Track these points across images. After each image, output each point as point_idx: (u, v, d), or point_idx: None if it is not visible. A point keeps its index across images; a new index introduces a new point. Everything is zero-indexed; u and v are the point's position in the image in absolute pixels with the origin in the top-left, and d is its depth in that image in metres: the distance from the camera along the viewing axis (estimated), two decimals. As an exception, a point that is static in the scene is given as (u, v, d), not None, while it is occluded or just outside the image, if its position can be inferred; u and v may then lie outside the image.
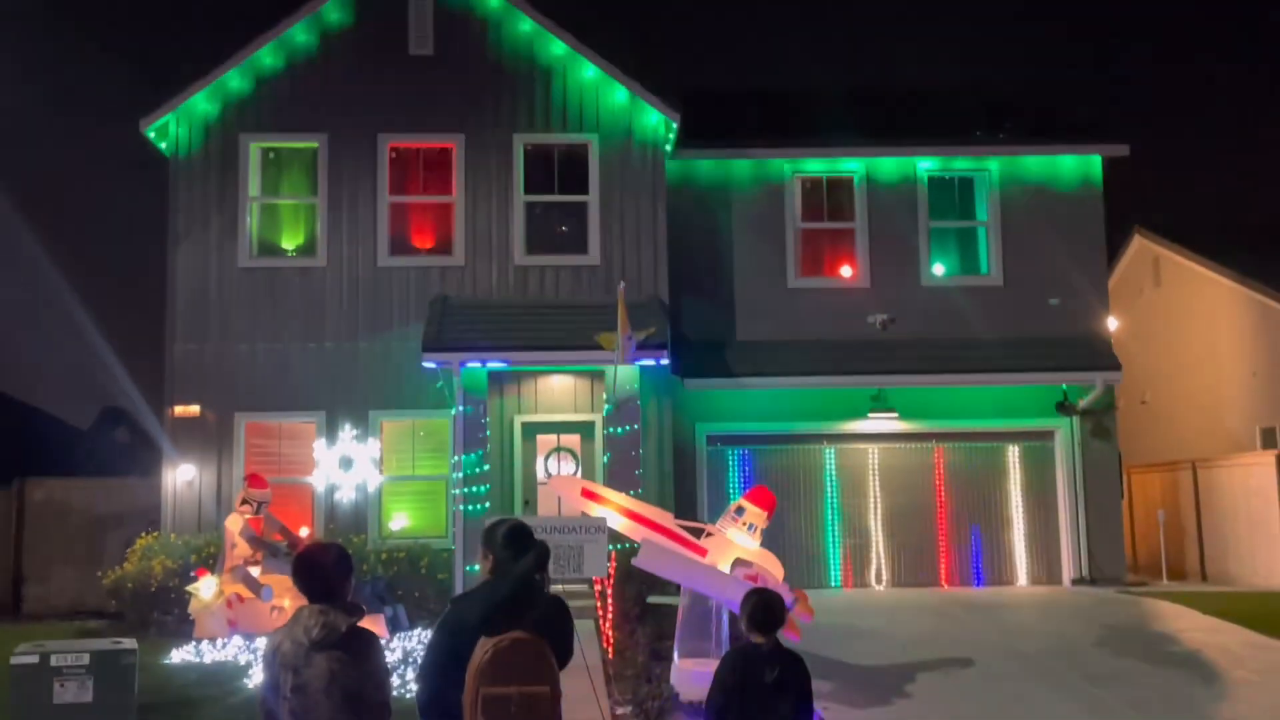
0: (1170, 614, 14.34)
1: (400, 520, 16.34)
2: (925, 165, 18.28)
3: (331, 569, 4.68)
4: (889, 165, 18.23)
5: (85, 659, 8.82)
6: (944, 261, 18.42)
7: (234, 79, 16.74)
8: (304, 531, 15.43)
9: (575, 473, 16.48)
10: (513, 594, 4.65)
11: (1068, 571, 17.55)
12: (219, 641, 12.50)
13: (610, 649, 11.77)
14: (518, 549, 4.83)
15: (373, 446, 16.24)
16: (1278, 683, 10.77)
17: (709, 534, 10.45)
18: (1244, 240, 21.58)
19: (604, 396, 15.97)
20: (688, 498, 16.80)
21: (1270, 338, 19.68)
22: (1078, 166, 18.35)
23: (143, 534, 15.73)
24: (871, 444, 17.90)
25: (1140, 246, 23.54)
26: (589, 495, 10.59)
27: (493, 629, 4.51)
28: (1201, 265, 21.30)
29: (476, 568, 6.14)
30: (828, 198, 18.49)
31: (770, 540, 10.48)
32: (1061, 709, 9.85)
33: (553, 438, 16.78)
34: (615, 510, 10.45)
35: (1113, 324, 18.26)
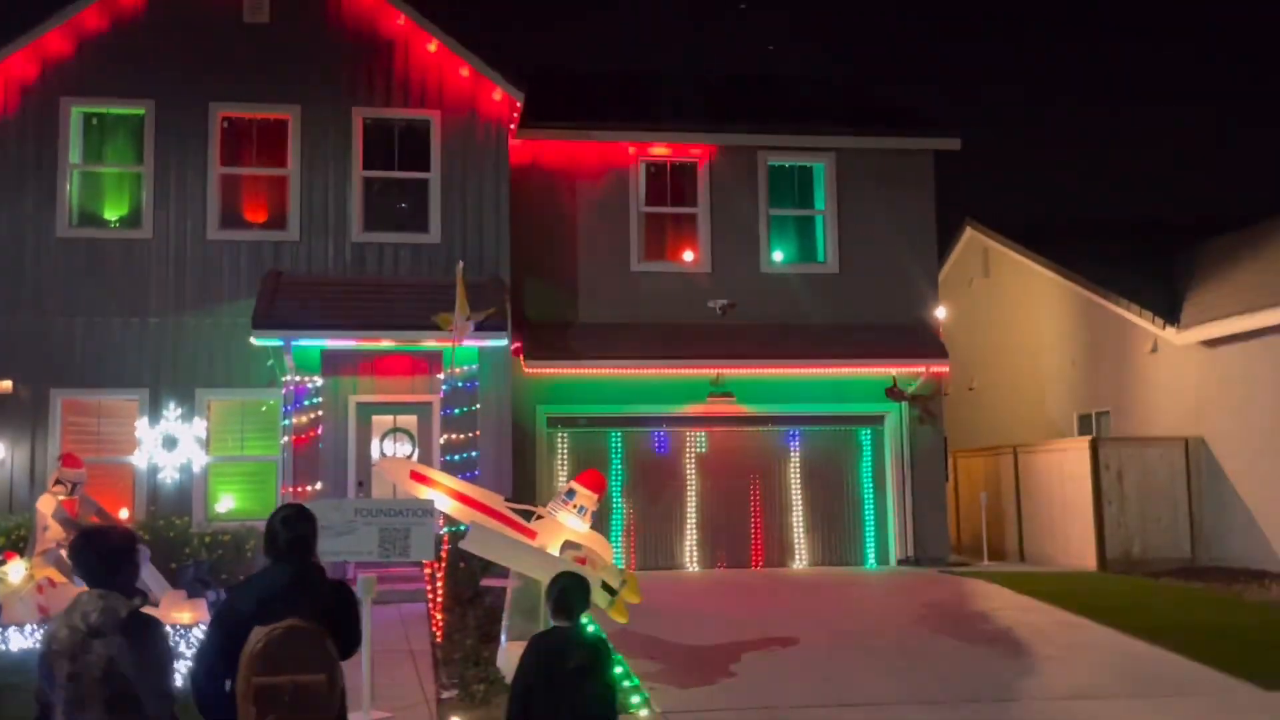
0: (987, 593, 14.93)
1: (227, 502, 15.86)
2: (766, 153, 18.58)
3: (112, 552, 4.49)
4: (732, 151, 18.46)
5: (-123, 647, 8.34)
6: (783, 249, 18.77)
7: (55, 39, 15.93)
8: (124, 514, 14.88)
9: (412, 455, 16.25)
10: (288, 581, 4.53)
11: (895, 552, 18.12)
12: (28, 628, 11.93)
13: (439, 632, 11.66)
14: (292, 534, 4.72)
15: (199, 426, 15.71)
16: (1081, 659, 11.31)
17: (539, 516, 10.43)
18: (1068, 234, 22.55)
19: (442, 377, 15.76)
20: (527, 480, 16.76)
21: (1089, 329, 20.61)
22: (912, 158, 18.90)
23: (-53, 516, 14.91)
24: (710, 427, 18.14)
25: (971, 238, 24.38)
26: (417, 478, 10.45)
27: (267, 617, 4.39)
28: (1027, 258, 22.17)
29: None
30: (672, 182, 18.64)
31: (605, 523, 10.52)
32: (876, 684, 10.16)
33: (389, 418, 16.51)
34: (444, 493, 10.35)
35: (942, 313, 18.89)
